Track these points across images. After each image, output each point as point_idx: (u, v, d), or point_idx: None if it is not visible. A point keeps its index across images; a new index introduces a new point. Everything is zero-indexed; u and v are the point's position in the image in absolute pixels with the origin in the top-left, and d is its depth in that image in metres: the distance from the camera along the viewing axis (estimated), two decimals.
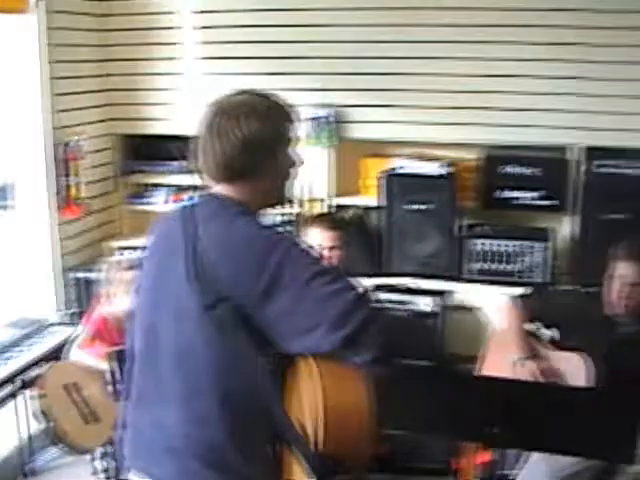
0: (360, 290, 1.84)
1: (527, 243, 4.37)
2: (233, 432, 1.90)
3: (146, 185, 5.09)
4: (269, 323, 1.82)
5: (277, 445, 1.97)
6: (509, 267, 4.39)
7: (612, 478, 3.08)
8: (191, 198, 2.09)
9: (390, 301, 4.26)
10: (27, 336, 4.21)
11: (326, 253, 3.57)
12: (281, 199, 2.08)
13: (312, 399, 1.76)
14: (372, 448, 1.81)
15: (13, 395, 3.92)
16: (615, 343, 3.31)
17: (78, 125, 4.66)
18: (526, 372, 3.28)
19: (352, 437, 1.76)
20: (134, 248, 4.29)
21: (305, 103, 4.41)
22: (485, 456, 3.34)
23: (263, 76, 4.56)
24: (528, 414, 2.66)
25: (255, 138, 1.94)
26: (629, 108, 4.26)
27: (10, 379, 3.84)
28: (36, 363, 3.97)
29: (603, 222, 4.22)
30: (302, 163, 2.08)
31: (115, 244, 4.91)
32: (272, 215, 4.44)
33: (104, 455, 3.77)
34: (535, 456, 3.14)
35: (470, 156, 4.65)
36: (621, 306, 3.34)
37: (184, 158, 4.29)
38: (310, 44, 4.61)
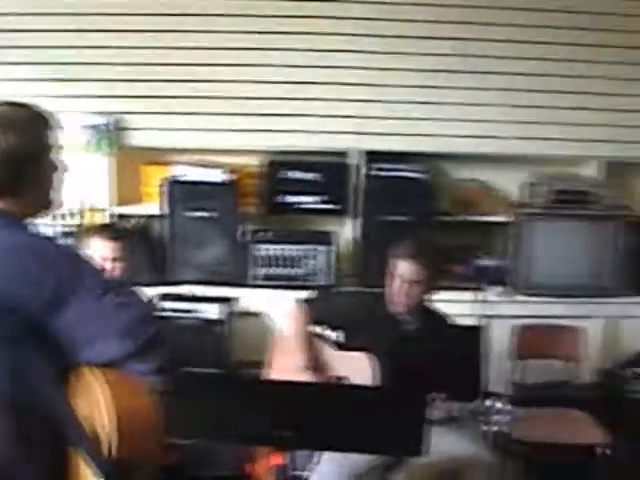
0: (146, 302, 1.89)
1: (311, 247, 4.41)
2: (19, 439, 1.82)
3: None
4: (61, 332, 1.81)
5: (66, 452, 1.87)
6: (294, 271, 4.41)
7: (399, 471, 3.14)
8: None
9: (176, 310, 4.16)
10: None
11: (108, 265, 3.42)
12: (48, 206, 2.03)
13: (102, 407, 1.75)
14: (162, 457, 1.85)
15: None
16: (399, 341, 3.37)
17: None
18: (312, 376, 3.29)
19: (144, 443, 1.79)
20: None
21: (84, 110, 4.26)
22: (277, 459, 3.31)
23: (38, 83, 4.29)
24: (317, 415, 2.65)
25: (15, 151, 1.90)
26: (406, 113, 4.42)
27: None
28: None
29: (384, 224, 4.35)
30: (66, 169, 2.03)
31: None
32: (51, 226, 4.21)
33: None
34: (326, 455, 3.14)
35: (253, 162, 4.63)
36: (402, 304, 3.41)
37: None
38: (88, 50, 4.41)
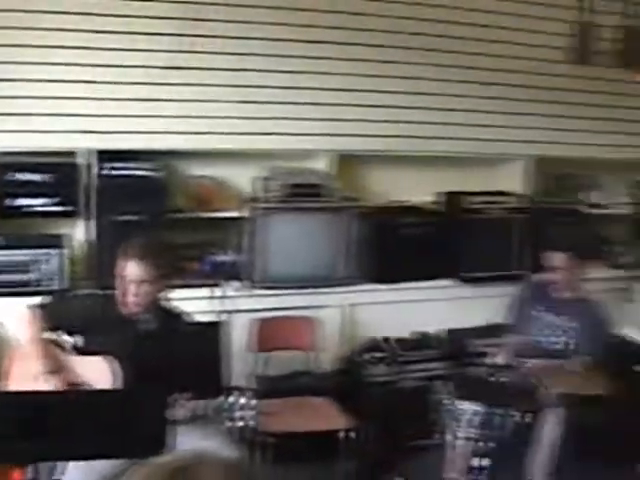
0: None
1: (42, 251, 4.23)
2: None
3: None
4: None
5: None
6: (26, 277, 4.21)
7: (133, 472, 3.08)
8: None
9: None
10: None
11: None
12: None
13: None
14: None
15: None
16: (136, 341, 3.33)
17: None
18: (51, 385, 3.16)
19: None
20: None
21: None
22: (18, 474, 3.16)
23: None
24: (58, 424, 2.55)
25: None
26: (136, 111, 4.36)
27: None
28: None
29: (117, 224, 4.25)
30: None
31: None
32: None
33: None
34: (71, 465, 3.03)
35: None
36: (136, 304, 3.35)
37: None
38: None
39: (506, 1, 5.06)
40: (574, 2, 4.79)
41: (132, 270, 3.30)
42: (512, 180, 5.42)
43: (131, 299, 3.34)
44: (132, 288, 3.32)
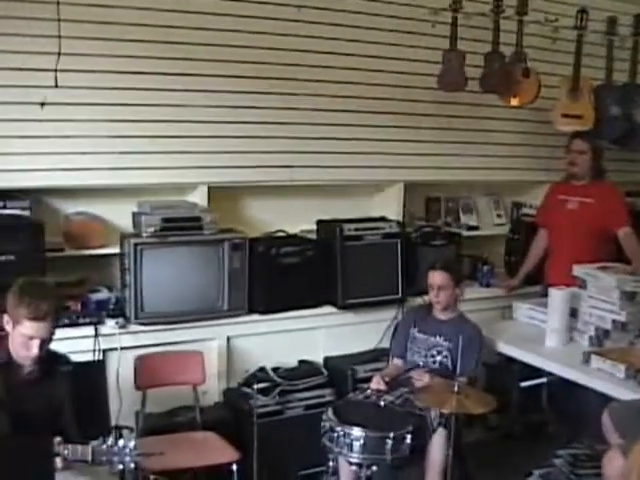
0: None
1: None
2: None
3: None
4: None
5: None
6: None
7: None
8: None
9: None
10: None
11: None
12: None
13: None
14: None
15: None
16: (15, 387, 3.23)
17: None
18: None
19: None
20: None
21: None
22: None
23: None
24: None
25: None
26: (48, 149, 4.34)
27: None
28: None
29: None
30: None
31: None
32: None
33: None
34: None
35: None
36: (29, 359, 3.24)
37: None
38: None
39: (373, 30, 5.18)
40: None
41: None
42: (390, 206, 5.55)
43: (26, 353, 3.22)
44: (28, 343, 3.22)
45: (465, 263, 5.83)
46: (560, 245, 5.28)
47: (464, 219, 6.10)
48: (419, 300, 5.12)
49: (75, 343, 4.22)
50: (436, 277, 4.49)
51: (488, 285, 5.80)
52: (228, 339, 4.85)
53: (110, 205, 4.75)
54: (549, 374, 4.51)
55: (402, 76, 5.34)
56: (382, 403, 4.17)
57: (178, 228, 4.53)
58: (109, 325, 4.44)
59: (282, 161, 5.03)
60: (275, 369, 4.90)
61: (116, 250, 4.60)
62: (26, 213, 4.36)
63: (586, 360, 4.18)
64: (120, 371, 4.44)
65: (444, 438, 4.05)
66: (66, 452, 3.04)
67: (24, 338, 3.19)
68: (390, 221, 5.36)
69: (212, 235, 4.62)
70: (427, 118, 5.52)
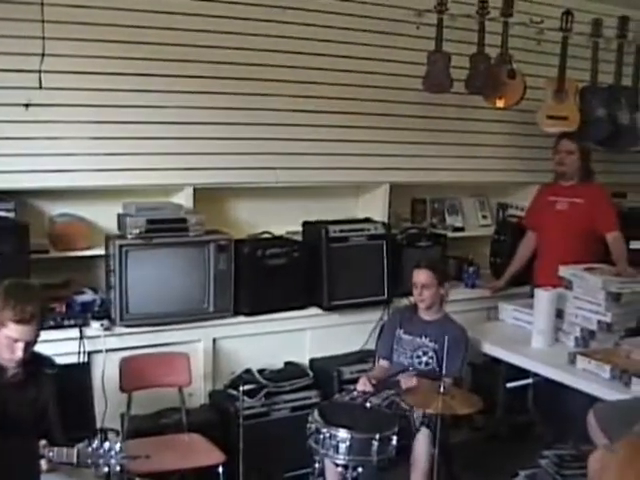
0: None
1: None
2: None
3: None
4: None
5: None
6: None
7: None
8: None
9: None
10: None
11: None
12: None
13: None
14: None
15: None
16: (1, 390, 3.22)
17: None
18: None
19: None
20: None
21: None
22: None
23: None
24: None
25: None
26: (32, 150, 4.31)
27: None
28: None
29: None
30: None
31: None
32: None
33: None
34: None
35: None
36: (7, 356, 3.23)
37: None
38: None
39: (358, 31, 5.19)
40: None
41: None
42: (375, 207, 5.56)
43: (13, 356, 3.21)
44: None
45: (451, 264, 5.84)
46: (549, 246, 5.30)
47: (450, 220, 6.12)
48: (405, 301, 5.13)
49: (60, 345, 4.21)
50: (420, 275, 4.50)
51: (474, 286, 5.81)
52: (214, 341, 4.84)
53: (95, 207, 4.73)
54: (535, 375, 4.51)
55: (387, 77, 5.35)
56: (368, 405, 4.17)
57: (163, 230, 4.52)
58: (94, 327, 4.42)
59: (267, 162, 5.02)
60: (261, 371, 4.90)
61: (101, 252, 4.58)
62: (10, 215, 4.35)
63: (572, 361, 4.18)
64: (105, 373, 4.42)
65: (427, 437, 4.05)
66: (51, 454, 3.04)
67: (9, 340, 3.17)
68: (376, 222, 5.36)
69: (197, 237, 4.61)
70: (413, 119, 5.53)
